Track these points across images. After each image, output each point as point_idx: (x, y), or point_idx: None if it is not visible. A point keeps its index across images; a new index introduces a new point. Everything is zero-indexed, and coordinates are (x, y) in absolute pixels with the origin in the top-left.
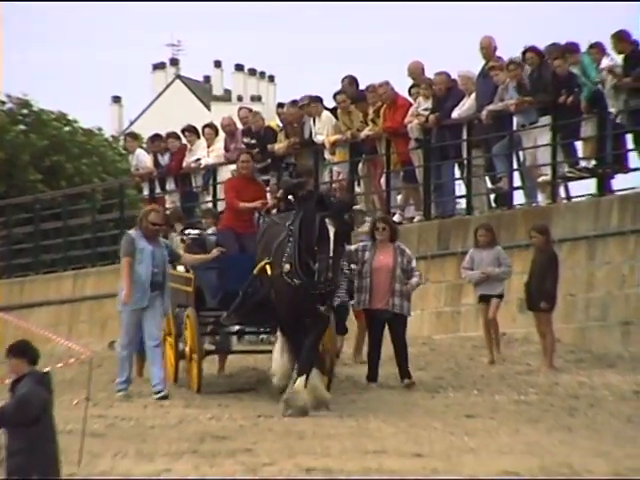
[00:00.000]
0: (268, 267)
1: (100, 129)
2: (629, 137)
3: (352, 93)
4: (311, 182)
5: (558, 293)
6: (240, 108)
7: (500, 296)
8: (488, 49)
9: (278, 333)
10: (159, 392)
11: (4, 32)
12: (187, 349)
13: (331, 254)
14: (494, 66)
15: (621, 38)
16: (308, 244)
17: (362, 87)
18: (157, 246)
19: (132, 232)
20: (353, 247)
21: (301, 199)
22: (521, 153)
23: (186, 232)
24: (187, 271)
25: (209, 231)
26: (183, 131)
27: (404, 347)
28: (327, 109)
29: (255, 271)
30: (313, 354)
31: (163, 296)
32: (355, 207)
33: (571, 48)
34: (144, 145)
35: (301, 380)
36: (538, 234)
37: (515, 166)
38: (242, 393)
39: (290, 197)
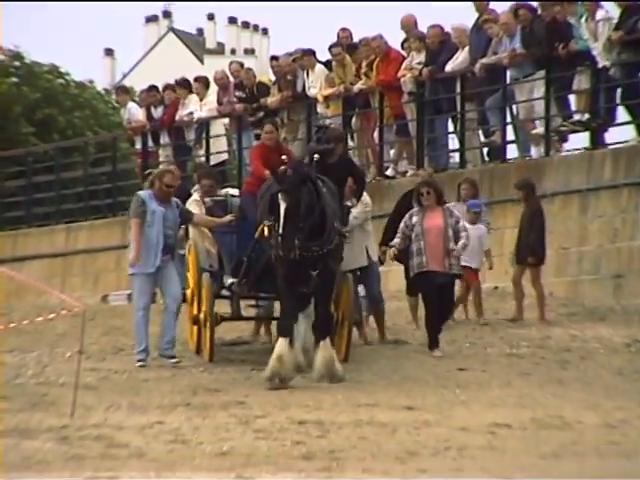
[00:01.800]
0: (266, 230)
1: (92, 82)
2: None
3: (347, 45)
4: (340, 148)
5: (550, 247)
6: (231, 62)
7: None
8: (481, 2)
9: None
10: (171, 357)
11: None
12: (201, 315)
13: (280, 231)
14: (487, 19)
15: None
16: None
17: (356, 40)
18: (169, 207)
19: (142, 193)
20: (401, 225)
21: (328, 166)
22: (514, 106)
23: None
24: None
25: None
26: (176, 83)
27: (450, 313)
28: (320, 62)
29: (256, 235)
30: (329, 321)
31: (176, 259)
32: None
33: None
34: (136, 98)
35: (326, 345)
36: (518, 190)
37: (508, 119)
38: (235, 347)
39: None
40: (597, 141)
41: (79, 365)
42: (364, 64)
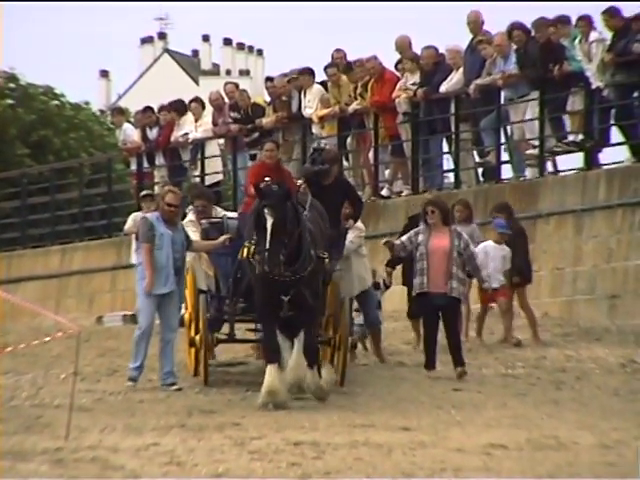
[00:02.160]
0: (245, 250)
1: (87, 103)
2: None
3: (342, 66)
4: (336, 169)
5: (544, 267)
6: (226, 83)
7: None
8: (475, 23)
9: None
10: (171, 384)
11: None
12: (197, 338)
13: (267, 246)
14: (482, 40)
15: (612, 15)
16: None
17: (350, 61)
18: (176, 230)
19: (149, 215)
20: (405, 237)
21: (324, 188)
22: (509, 127)
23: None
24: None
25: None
26: (170, 105)
27: (457, 334)
28: (317, 83)
29: (239, 255)
30: (313, 348)
31: (180, 283)
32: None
33: (562, 20)
34: (131, 119)
35: (312, 373)
36: (497, 214)
37: (503, 140)
38: (230, 367)
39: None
40: (591, 162)
41: (74, 387)
42: (359, 85)
